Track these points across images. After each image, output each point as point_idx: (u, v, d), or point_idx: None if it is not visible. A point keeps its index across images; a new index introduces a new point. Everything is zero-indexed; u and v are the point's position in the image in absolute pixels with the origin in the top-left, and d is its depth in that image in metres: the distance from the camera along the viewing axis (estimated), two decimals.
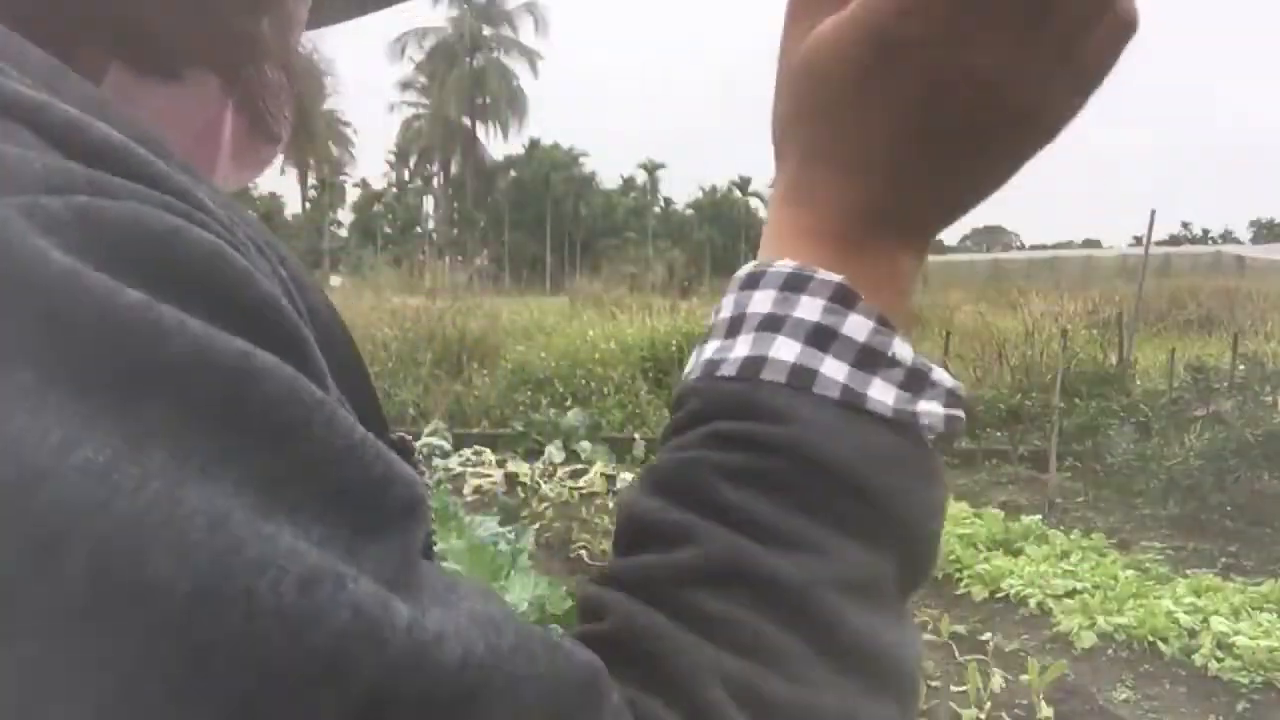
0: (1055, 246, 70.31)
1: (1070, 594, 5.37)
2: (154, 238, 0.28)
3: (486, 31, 62.90)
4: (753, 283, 0.43)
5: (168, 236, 0.28)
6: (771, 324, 0.41)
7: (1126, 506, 7.95)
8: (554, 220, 73.09)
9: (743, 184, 78.98)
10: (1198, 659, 4.56)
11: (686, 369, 0.44)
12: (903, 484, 0.40)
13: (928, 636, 5.05)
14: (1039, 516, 7.06)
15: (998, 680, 4.40)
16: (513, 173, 75.41)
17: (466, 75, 61.29)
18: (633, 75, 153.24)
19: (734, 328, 0.42)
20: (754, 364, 0.40)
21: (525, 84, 63.47)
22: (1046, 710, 4.13)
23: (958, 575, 5.86)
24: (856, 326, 0.40)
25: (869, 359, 0.40)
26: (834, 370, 0.40)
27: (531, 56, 62.98)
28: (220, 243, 0.29)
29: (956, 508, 7.29)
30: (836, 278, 0.41)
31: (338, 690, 0.25)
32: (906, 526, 0.40)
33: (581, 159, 77.62)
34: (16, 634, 0.23)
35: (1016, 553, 6.21)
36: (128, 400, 0.25)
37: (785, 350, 0.40)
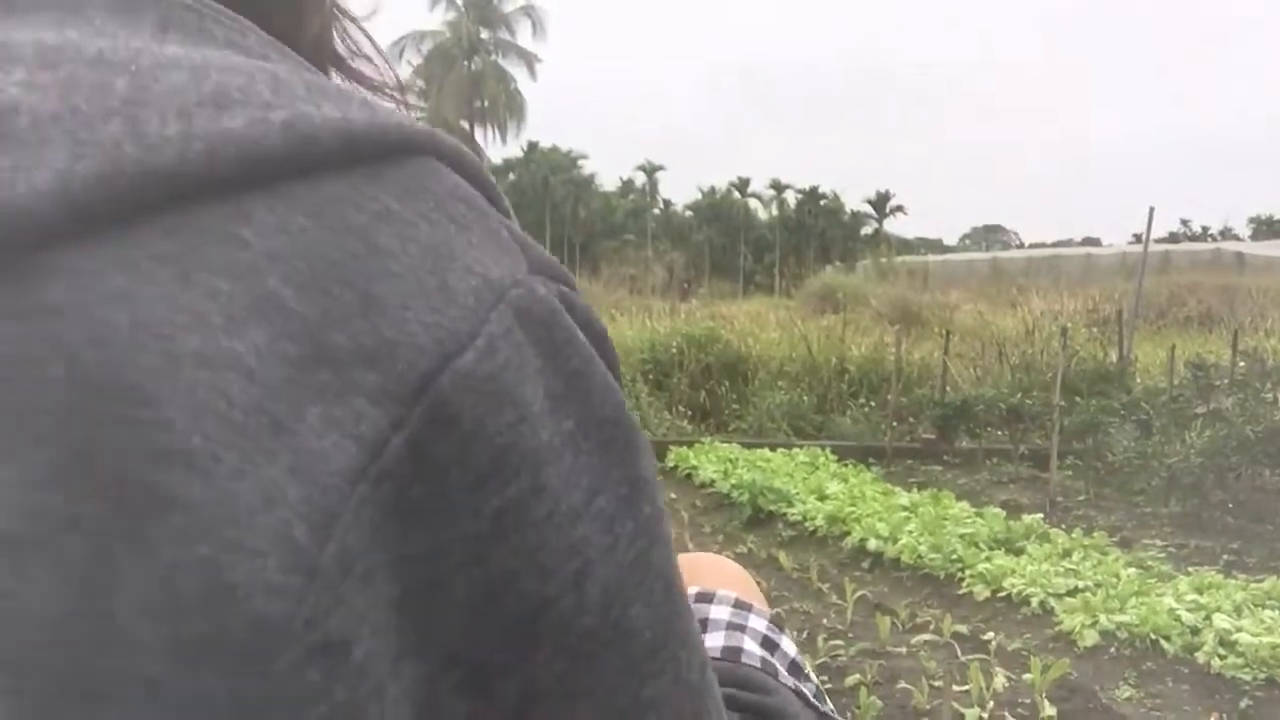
0: (1055, 245, 70.18)
1: (1072, 592, 5.36)
2: (601, 335, 0.33)
3: (484, 35, 62.90)
4: (707, 598, 0.59)
5: (605, 335, 0.33)
6: (736, 628, 0.57)
7: (1128, 504, 7.94)
8: (553, 223, 73.07)
9: (741, 185, 78.95)
10: (1200, 656, 4.55)
11: None
12: None
13: (930, 636, 5.05)
14: (1040, 515, 7.05)
15: (1000, 679, 4.39)
16: (511, 175, 75.37)
17: (464, 78, 61.26)
18: (631, 77, 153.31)
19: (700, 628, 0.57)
20: (733, 652, 0.55)
21: (523, 87, 63.50)
22: (1049, 709, 4.13)
23: (960, 575, 5.85)
24: (788, 644, 0.58)
25: (795, 668, 0.58)
26: (781, 669, 0.56)
27: (529, 59, 62.97)
28: None
29: (958, 507, 7.29)
30: (767, 609, 0.60)
31: None
32: None
33: (580, 161, 77.64)
34: (543, 642, 0.28)
35: (1018, 552, 6.21)
36: (626, 462, 0.31)
37: (752, 646, 0.56)
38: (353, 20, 0.43)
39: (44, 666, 0.21)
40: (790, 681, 0.55)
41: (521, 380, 0.27)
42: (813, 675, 0.58)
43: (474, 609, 0.27)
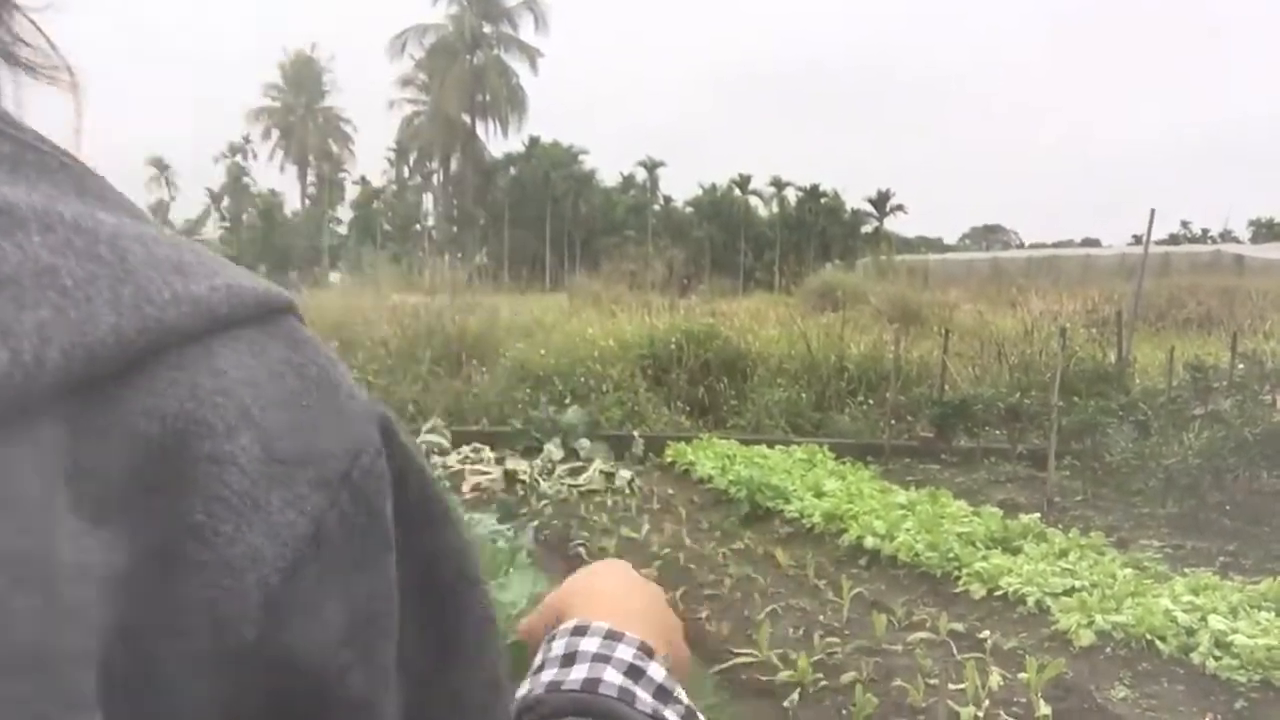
0: (1054, 245, 70.06)
1: (1069, 592, 5.38)
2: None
3: (487, 29, 62.76)
4: (581, 631, 0.63)
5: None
6: (601, 659, 0.61)
7: (1125, 505, 7.95)
8: (553, 218, 73.03)
9: (742, 182, 78.90)
10: (1195, 657, 4.56)
11: (524, 690, 0.63)
12: None
13: (926, 634, 5.05)
14: (1037, 515, 7.06)
15: (996, 678, 4.40)
16: (512, 170, 75.33)
17: (466, 72, 61.16)
18: (633, 73, 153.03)
19: (569, 661, 0.62)
20: (592, 683, 0.60)
21: (525, 81, 63.43)
22: (1045, 708, 4.13)
23: (956, 573, 5.86)
24: (655, 670, 0.62)
25: (662, 692, 0.61)
26: (644, 695, 0.60)
27: (531, 54, 62.88)
28: None
29: (955, 506, 7.30)
30: (639, 637, 0.64)
31: None
32: None
33: (581, 157, 77.59)
34: (427, 629, 0.42)
35: (1015, 551, 6.22)
36: (434, 521, 0.43)
37: (613, 676, 0.60)
38: (18, 9, 0.44)
39: (102, 659, 0.31)
40: (650, 705, 0.60)
41: (388, 470, 0.39)
42: (683, 697, 0.62)
43: (399, 618, 0.39)
